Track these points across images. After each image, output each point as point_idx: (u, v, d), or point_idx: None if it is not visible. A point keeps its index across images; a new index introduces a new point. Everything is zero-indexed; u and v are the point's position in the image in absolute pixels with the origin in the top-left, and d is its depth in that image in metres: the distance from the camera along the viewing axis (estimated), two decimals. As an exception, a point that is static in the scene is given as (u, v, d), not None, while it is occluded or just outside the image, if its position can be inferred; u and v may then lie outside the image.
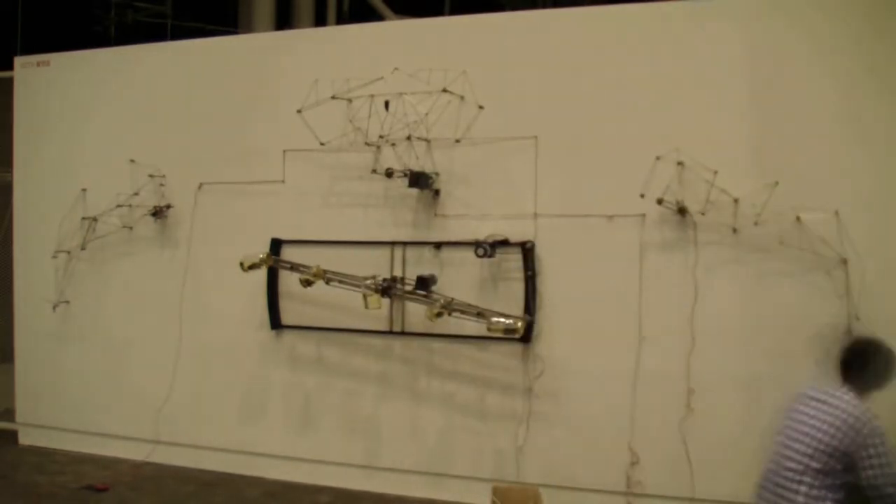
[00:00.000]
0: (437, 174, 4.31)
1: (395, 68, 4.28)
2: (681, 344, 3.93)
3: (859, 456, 2.78)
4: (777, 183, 3.76)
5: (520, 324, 3.89)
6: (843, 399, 2.90)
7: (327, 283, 4.22)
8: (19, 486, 4.46)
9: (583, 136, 4.11)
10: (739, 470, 3.87)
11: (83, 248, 5.01)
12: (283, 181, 4.63)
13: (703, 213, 3.85)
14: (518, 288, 4.16)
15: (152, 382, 4.86)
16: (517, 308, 4.12)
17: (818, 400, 2.97)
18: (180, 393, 4.83)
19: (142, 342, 4.93)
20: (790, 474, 2.89)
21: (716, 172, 3.80)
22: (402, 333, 4.40)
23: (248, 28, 9.27)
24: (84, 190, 5.06)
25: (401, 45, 4.43)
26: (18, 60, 5.33)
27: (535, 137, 4.18)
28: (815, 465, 2.83)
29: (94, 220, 4.97)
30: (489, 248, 4.04)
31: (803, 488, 2.83)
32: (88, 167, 5.08)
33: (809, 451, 2.86)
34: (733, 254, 3.88)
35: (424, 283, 4.02)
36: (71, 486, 4.46)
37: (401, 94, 4.29)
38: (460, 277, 4.26)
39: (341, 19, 10.38)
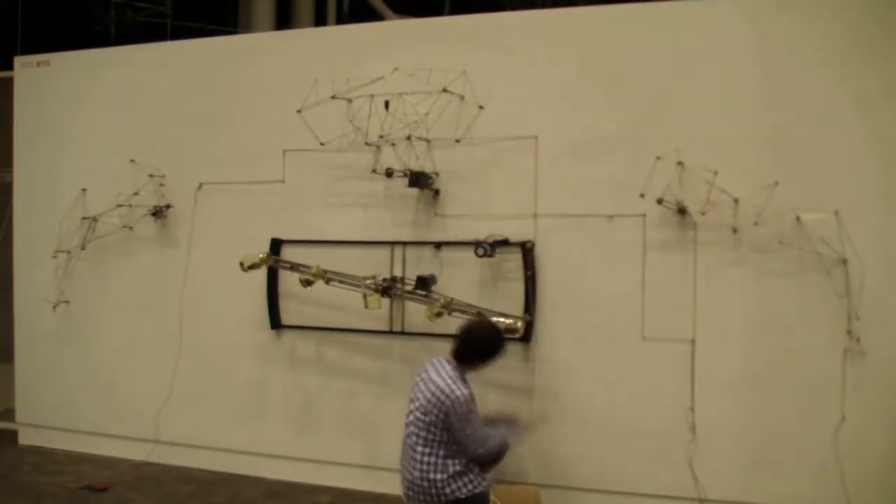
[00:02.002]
0: (437, 174, 4.31)
1: (395, 68, 4.29)
2: (681, 344, 3.93)
3: (450, 424, 3.19)
4: (777, 183, 3.76)
5: (520, 324, 3.89)
6: (442, 373, 3.30)
7: (327, 283, 4.22)
8: (19, 486, 4.47)
9: (583, 136, 4.11)
10: (739, 469, 3.89)
11: (83, 248, 5.01)
12: (283, 181, 4.63)
13: (703, 213, 3.85)
14: (518, 288, 4.16)
15: (152, 382, 4.87)
16: (517, 308, 4.12)
17: (429, 373, 3.36)
18: (180, 393, 4.84)
19: (142, 342, 4.93)
20: (411, 439, 3.29)
21: (716, 172, 3.80)
22: (402, 333, 4.40)
23: (248, 28, 9.28)
24: (84, 190, 5.06)
25: (401, 45, 4.43)
26: (18, 60, 5.33)
27: (535, 137, 4.18)
28: (423, 433, 3.24)
29: (94, 220, 4.98)
30: (489, 247, 4.04)
31: (418, 450, 3.24)
32: (88, 167, 5.08)
33: (418, 421, 3.26)
34: (733, 254, 3.88)
35: (424, 282, 4.02)
36: (71, 486, 4.47)
37: (401, 94, 4.29)
38: (460, 277, 4.26)
39: (341, 19, 10.39)
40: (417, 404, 3.30)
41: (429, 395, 3.25)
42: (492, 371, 4.22)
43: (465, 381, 3.32)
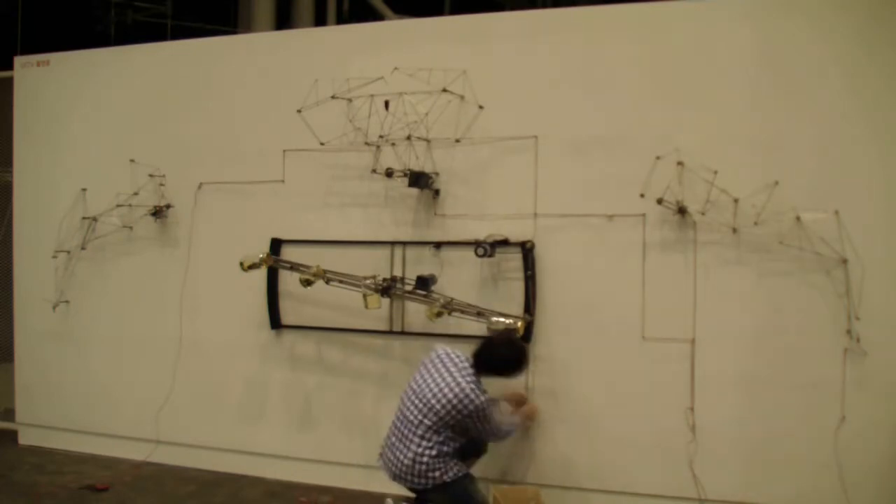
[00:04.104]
0: (437, 174, 4.31)
1: (395, 68, 4.29)
2: (681, 344, 3.93)
3: (467, 424, 3.39)
4: (777, 183, 3.76)
5: (520, 323, 3.89)
6: (464, 373, 3.43)
7: (327, 282, 4.22)
8: (19, 486, 4.46)
9: (583, 136, 4.11)
10: (739, 469, 3.89)
11: (83, 248, 5.01)
12: (283, 181, 4.63)
13: (703, 213, 3.85)
14: (518, 288, 4.16)
15: (152, 382, 4.87)
16: (517, 308, 4.12)
17: (445, 366, 3.49)
18: (180, 393, 4.84)
19: (142, 342, 4.93)
20: (413, 422, 3.43)
21: (716, 172, 3.80)
22: (402, 333, 4.40)
23: (248, 28, 9.28)
24: (84, 190, 5.06)
25: (401, 45, 4.43)
26: (18, 60, 5.32)
27: (535, 137, 4.18)
28: (427, 422, 3.38)
29: (94, 220, 4.98)
30: (489, 247, 4.04)
31: (417, 438, 3.40)
32: (88, 167, 5.08)
33: (425, 409, 3.40)
34: (733, 254, 3.88)
35: (424, 282, 4.02)
36: (71, 486, 4.46)
37: (401, 94, 4.29)
38: (460, 277, 4.26)
39: (341, 19, 10.39)
40: (431, 394, 3.40)
41: (449, 394, 3.37)
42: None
43: (481, 384, 3.48)
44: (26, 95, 5.26)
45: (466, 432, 3.47)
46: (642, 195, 3.92)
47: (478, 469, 4.27)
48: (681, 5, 4.01)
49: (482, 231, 4.19)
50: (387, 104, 4.33)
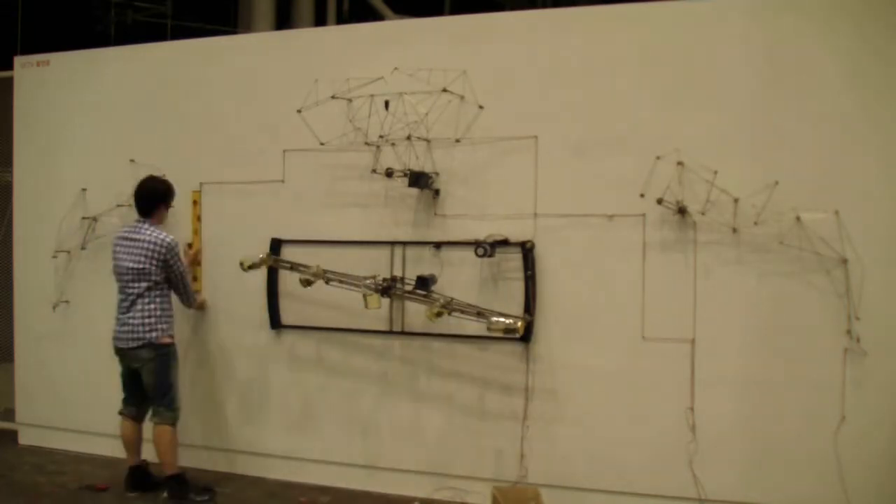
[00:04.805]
0: (437, 174, 4.31)
1: (395, 68, 4.29)
2: (681, 344, 3.93)
3: (167, 268, 4.20)
4: (777, 183, 3.76)
5: (520, 323, 3.89)
6: (145, 232, 4.20)
7: (327, 282, 4.22)
8: (19, 486, 4.47)
9: (583, 136, 4.11)
10: (739, 470, 3.89)
11: (83, 248, 5.01)
12: (282, 181, 4.63)
13: (703, 213, 3.85)
14: (518, 288, 4.16)
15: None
16: (517, 308, 4.12)
17: (129, 238, 4.23)
18: (180, 393, 4.82)
19: (142, 342, 4.92)
20: (130, 298, 4.18)
21: (716, 172, 3.80)
22: (402, 333, 4.40)
23: (248, 28, 9.29)
24: (84, 190, 5.06)
25: (401, 45, 4.42)
26: (18, 60, 5.32)
27: (535, 137, 4.18)
28: (143, 286, 4.16)
29: (94, 220, 4.98)
30: (489, 247, 4.04)
31: (137, 309, 4.17)
32: (88, 167, 5.08)
33: (136, 278, 4.17)
34: (733, 254, 3.88)
35: (424, 282, 4.02)
36: (71, 486, 4.47)
37: (401, 94, 4.29)
38: (460, 277, 4.26)
39: (341, 19, 10.40)
40: (133, 261, 4.16)
41: (144, 251, 4.14)
42: (492, 371, 4.25)
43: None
44: (26, 95, 5.26)
45: (172, 285, 4.27)
46: (642, 195, 3.92)
47: (478, 469, 4.28)
48: (681, 5, 4.01)
49: (482, 231, 4.19)
50: (387, 104, 4.33)
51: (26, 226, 5.26)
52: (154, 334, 4.16)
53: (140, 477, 4.40)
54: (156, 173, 4.85)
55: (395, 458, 4.44)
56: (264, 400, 4.71)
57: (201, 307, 4.75)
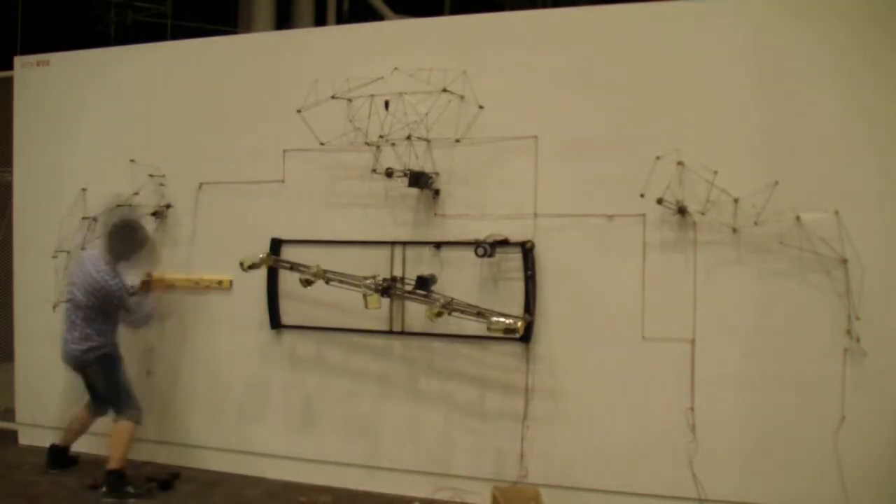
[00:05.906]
0: (437, 174, 4.31)
1: (395, 68, 4.29)
2: (681, 344, 3.94)
3: (111, 305, 4.30)
4: (777, 183, 3.76)
5: (520, 323, 3.89)
6: (95, 266, 4.28)
7: (327, 282, 4.22)
8: (19, 486, 4.47)
9: (583, 136, 4.11)
10: (739, 470, 3.89)
11: (83, 248, 5.00)
12: (282, 181, 4.63)
13: (703, 213, 3.85)
14: (518, 288, 4.17)
15: (152, 382, 4.86)
16: (517, 308, 4.12)
17: (83, 263, 4.36)
18: (180, 393, 4.84)
19: (141, 342, 4.91)
20: (71, 319, 4.33)
21: (716, 172, 3.80)
22: (402, 333, 4.40)
23: (248, 28, 9.29)
24: (84, 190, 5.06)
25: (401, 45, 4.43)
26: (18, 60, 5.32)
27: (535, 137, 4.18)
28: (80, 314, 4.29)
29: (94, 220, 4.98)
30: (489, 247, 4.04)
31: (77, 330, 4.30)
32: (88, 167, 5.08)
33: (76, 303, 4.30)
34: (733, 254, 3.88)
35: (424, 282, 4.02)
36: (71, 486, 4.47)
37: (401, 94, 4.29)
38: (460, 277, 4.26)
39: (341, 19, 10.39)
40: (80, 292, 4.27)
41: (88, 287, 4.24)
42: (492, 371, 4.25)
43: (117, 272, 4.31)
44: (26, 95, 5.26)
45: (114, 314, 4.38)
46: (642, 195, 3.93)
47: (478, 469, 4.28)
48: (680, 5, 4.01)
49: (482, 231, 4.19)
50: (387, 104, 4.33)
51: (26, 226, 5.26)
52: (90, 355, 4.32)
53: (58, 455, 4.68)
54: (155, 174, 4.87)
55: (394, 458, 4.44)
56: (264, 400, 4.70)
57: (161, 288, 4.72)
